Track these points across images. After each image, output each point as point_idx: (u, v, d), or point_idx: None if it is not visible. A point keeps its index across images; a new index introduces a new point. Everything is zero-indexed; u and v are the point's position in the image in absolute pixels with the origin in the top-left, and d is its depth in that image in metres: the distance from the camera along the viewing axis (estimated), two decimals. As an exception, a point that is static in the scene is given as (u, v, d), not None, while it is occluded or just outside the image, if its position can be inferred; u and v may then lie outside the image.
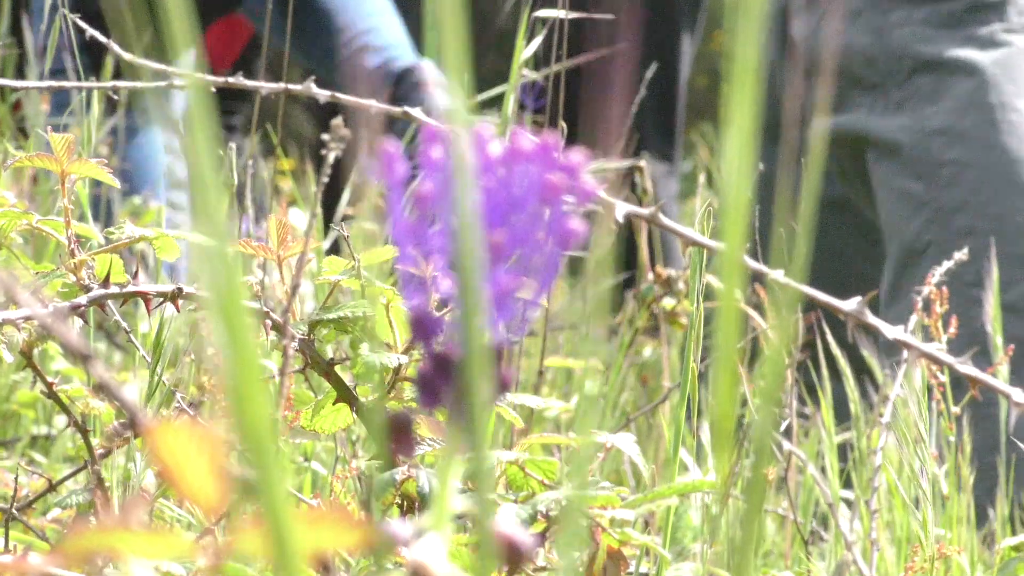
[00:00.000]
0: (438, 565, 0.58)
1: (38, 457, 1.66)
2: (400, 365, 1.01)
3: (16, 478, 1.16)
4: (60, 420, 1.71)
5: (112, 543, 0.47)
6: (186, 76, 0.90)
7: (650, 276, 1.59)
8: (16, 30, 2.59)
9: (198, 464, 0.48)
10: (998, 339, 1.39)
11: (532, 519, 0.82)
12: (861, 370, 1.65)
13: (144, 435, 0.49)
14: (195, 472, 0.48)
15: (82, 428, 1.30)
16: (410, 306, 0.62)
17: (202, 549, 0.49)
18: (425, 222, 0.62)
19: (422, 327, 0.62)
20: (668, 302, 1.57)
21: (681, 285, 1.62)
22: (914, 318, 1.16)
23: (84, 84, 0.91)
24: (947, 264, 1.30)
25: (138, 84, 0.89)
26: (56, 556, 0.48)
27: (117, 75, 2.12)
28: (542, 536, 0.82)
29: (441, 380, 0.61)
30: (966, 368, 0.80)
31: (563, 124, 1.42)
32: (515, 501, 0.84)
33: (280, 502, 0.42)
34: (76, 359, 0.62)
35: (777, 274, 0.85)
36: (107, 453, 1.14)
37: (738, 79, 0.48)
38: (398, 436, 0.60)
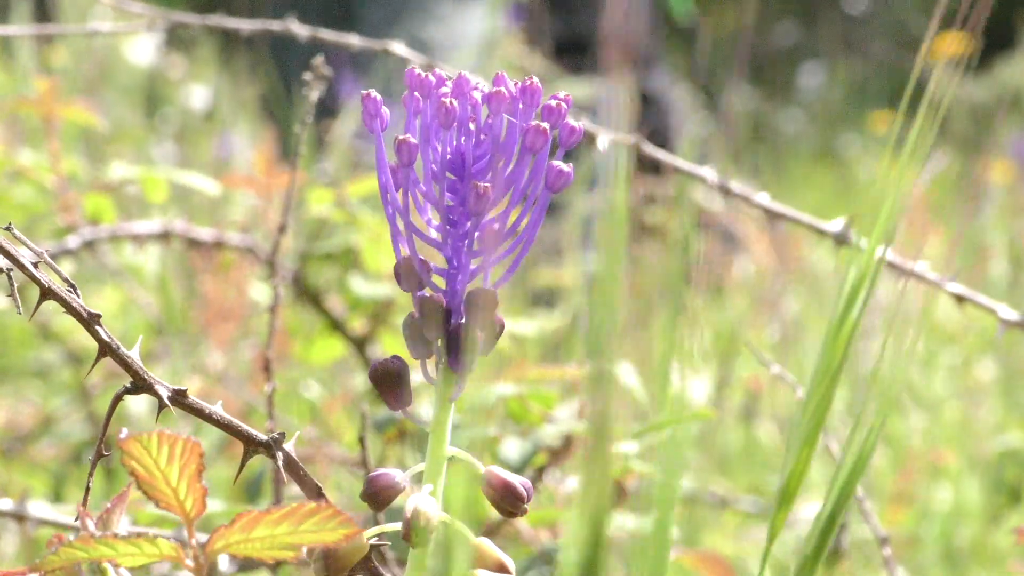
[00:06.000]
0: (432, 511, 0.59)
1: (34, 386, 1.66)
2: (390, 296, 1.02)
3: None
4: (53, 352, 1.71)
5: (93, 554, 0.46)
6: (163, 17, 0.89)
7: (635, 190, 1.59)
8: None
9: (174, 472, 0.47)
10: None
11: (533, 452, 0.83)
12: None
13: (119, 446, 0.48)
14: (171, 480, 0.47)
15: (75, 360, 1.31)
16: (397, 252, 0.62)
17: (185, 553, 0.48)
18: (409, 167, 0.61)
19: (409, 273, 0.62)
20: (653, 216, 1.57)
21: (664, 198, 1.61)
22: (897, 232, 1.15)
23: (66, 28, 0.91)
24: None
25: (118, 27, 0.89)
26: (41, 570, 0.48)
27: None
28: (540, 472, 0.82)
29: (430, 327, 0.60)
30: (952, 286, 0.80)
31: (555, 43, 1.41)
32: (518, 434, 0.85)
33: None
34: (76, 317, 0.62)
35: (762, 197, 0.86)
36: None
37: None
38: (391, 387, 0.60)
